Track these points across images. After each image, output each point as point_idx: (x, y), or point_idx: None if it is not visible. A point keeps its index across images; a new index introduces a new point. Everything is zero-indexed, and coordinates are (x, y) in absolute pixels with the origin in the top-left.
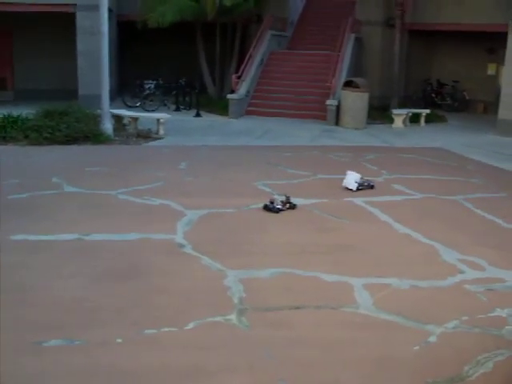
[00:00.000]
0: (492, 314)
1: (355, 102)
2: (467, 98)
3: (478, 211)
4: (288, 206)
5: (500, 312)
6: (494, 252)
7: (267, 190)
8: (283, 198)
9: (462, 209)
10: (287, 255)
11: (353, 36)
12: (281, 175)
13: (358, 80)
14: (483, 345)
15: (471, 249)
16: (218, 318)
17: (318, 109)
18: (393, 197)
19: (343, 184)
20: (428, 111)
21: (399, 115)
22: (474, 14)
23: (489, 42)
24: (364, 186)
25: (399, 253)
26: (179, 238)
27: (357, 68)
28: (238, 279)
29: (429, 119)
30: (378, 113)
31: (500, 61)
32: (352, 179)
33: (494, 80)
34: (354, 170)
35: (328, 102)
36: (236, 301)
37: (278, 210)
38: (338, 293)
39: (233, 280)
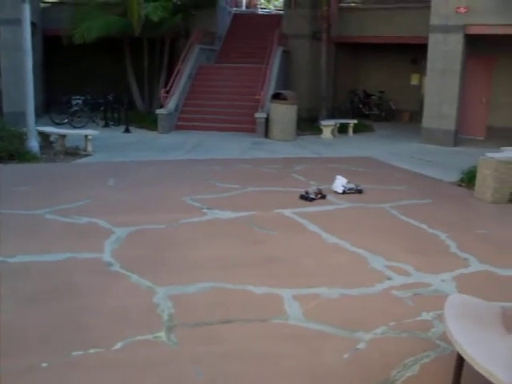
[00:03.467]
0: (419, 318)
1: (284, 114)
2: (393, 107)
3: (404, 218)
4: (320, 195)
5: (426, 316)
6: (420, 257)
7: (197, 204)
8: (315, 189)
9: (389, 216)
10: (216, 269)
11: (280, 49)
12: (210, 189)
13: (286, 92)
14: (410, 348)
15: (398, 255)
16: (147, 336)
17: (247, 122)
18: (322, 207)
19: (331, 187)
20: (355, 121)
21: (327, 126)
22: (397, 27)
23: (412, 54)
24: (352, 190)
25: (328, 262)
26: (107, 256)
27: (285, 80)
28: (167, 296)
29: (357, 129)
30: (307, 124)
31: (423, 71)
32: (339, 183)
33: (418, 90)
34: (282, 182)
35: (257, 114)
36: (165, 318)
37: (312, 199)
38: (267, 305)
39: (162, 297)
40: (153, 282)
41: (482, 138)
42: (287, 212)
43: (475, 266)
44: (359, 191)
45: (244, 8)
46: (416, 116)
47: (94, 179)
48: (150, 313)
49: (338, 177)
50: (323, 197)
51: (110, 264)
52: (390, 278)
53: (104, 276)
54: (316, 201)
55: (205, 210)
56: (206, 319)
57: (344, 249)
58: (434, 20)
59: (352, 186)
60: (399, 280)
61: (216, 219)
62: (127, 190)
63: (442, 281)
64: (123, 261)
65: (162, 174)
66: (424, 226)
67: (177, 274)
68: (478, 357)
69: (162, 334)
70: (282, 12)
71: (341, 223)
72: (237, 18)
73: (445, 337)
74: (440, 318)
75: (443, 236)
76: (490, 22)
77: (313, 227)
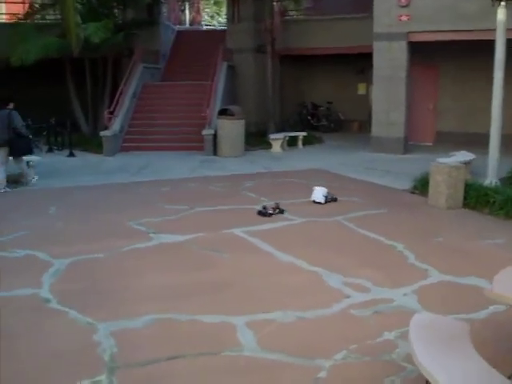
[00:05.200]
0: (381, 339)
1: (231, 130)
2: (342, 118)
3: (360, 230)
4: (278, 210)
5: (388, 335)
6: (379, 271)
7: (142, 229)
8: (273, 204)
9: (345, 229)
10: (163, 299)
11: (225, 64)
12: (157, 212)
13: (232, 108)
14: (374, 373)
15: (356, 271)
16: (86, 382)
17: (195, 140)
18: (273, 224)
19: (311, 198)
20: (305, 134)
21: (277, 140)
22: (341, 37)
23: (359, 64)
24: (329, 199)
25: (282, 283)
26: (44, 291)
27: (232, 96)
28: (109, 332)
29: (306, 141)
30: (256, 139)
31: (369, 80)
32: (320, 193)
33: (366, 99)
34: (233, 200)
35: (204, 131)
36: (107, 358)
37: (270, 214)
38: (219, 335)
39: (103, 334)
40: (93, 318)
41: (431, 144)
42: (238, 231)
43: (435, 277)
44: (335, 200)
45: (188, 25)
46: (365, 125)
47: (35, 207)
48: (90, 353)
49: (317, 188)
50: (281, 211)
51: (47, 300)
52: (348, 296)
53: (40, 314)
54: (274, 216)
55: (151, 235)
56: (151, 356)
57: (299, 268)
58: (378, 28)
59: (328, 194)
60: (358, 297)
61: (162, 244)
62: (69, 218)
63: (403, 295)
64: (62, 296)
65: (107, 199)
66: (380, 238)
67: (120, 307)
68: (445, 382)
69: (103, 377)
70: (226, 28)
71: (295, 240)
72: (181, 35)
73: (410, 358)
74: (403, 336)
75: (400, 247)
76: (431, 29)
77: (265, 246)
